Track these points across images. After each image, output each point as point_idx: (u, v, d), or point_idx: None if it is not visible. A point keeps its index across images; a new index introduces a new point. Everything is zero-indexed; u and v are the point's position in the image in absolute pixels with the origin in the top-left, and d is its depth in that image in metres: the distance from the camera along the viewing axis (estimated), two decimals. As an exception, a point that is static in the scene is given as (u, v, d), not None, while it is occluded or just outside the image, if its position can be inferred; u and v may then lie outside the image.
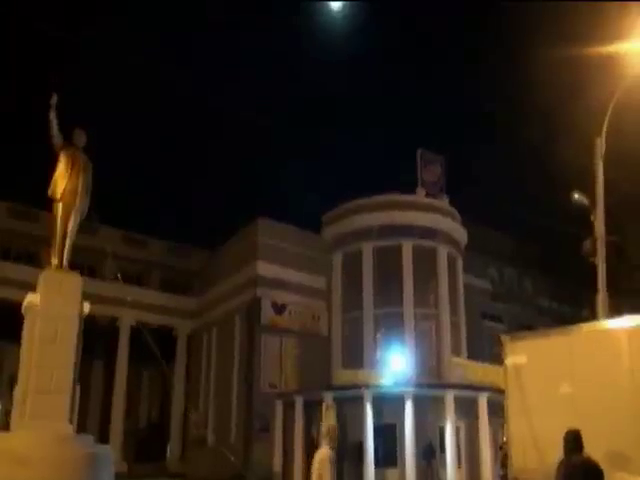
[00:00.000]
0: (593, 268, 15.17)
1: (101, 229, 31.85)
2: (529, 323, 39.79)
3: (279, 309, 31.40)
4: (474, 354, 32.52)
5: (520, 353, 11.58)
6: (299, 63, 77.89)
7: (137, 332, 34.55)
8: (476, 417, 26.63)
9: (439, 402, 26.53)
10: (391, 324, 31.37)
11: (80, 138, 13.62)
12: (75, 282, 12.80)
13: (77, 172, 13.29)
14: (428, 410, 26.63)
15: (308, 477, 24.03)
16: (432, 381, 29.17)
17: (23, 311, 12.96)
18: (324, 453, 6.17)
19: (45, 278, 12.69)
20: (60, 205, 13.08)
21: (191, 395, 36.22)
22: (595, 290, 14.85)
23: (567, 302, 40.75)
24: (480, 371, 28.82)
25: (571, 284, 37.35)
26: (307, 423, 27.58)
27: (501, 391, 27.72)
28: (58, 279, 12.63)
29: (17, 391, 12.11)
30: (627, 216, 30.06)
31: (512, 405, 11.63)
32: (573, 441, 5.58)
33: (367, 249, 32.45)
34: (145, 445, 35.90)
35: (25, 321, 12.75)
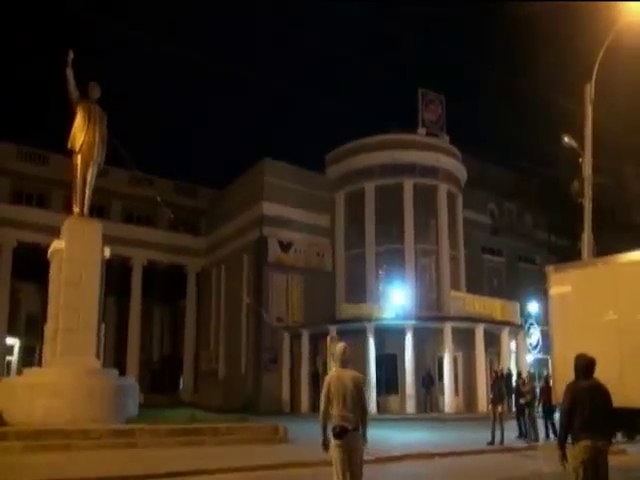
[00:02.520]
0: (582, 208, 15.93)
1: (109, 170, 32.37)
2: (527, 255, 40.84)
3: (285, 247, 32.45)
4: (474, 287, 33.67)
5: (564, 283, 12.03)
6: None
7: (149, 270, 35.97)
8: (473, 348, 28.07)
9: (438, 334, 27.87)
10: (392, 260, 32.44)
11: (94, 91, 14.31)
12: (96, 229, 13.83)
13: (94, 125, 14.04)
14: (427, 341, 28.01)
15: (315, 404, 25.66)
16: (432, 314, 30.43)
17: (49, 256, 14.01)
18: (349, 374, 5.85)
19: (69, 226, 13.70)
20: (79, 157, 13.88)
21: (202, 330, 37.82)
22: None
23: (565, 235, 41.46)
24: (478, 303, 29.98)
25: (569, 217, 37.93)
26: (313, 355, 29.15)
27: (497, 323, 29.33)
28: (80, 226, 13.68)
29: (47, 330, 13.41)
30: (625, 155, 30.52)
31: (556, 332, 12.19)
32: (584, 368, 5.58)
33: (369, 188, 33.14)
34: (159, 377, 37.68)
35: (51, 265, 13.88)
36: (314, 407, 27.71)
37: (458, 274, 34.29)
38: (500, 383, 15.86)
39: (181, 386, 37.63)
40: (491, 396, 15.89)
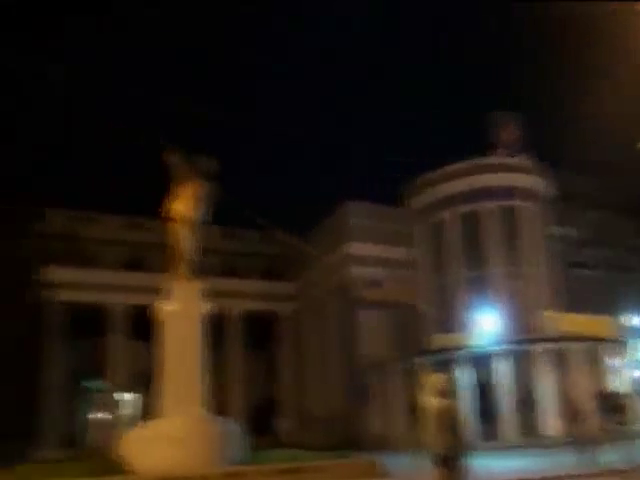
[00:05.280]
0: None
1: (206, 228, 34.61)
2: (622, 265, 39.09)
3: (371, 284, 33.25)
4: (567, 305, 32.78)
5: None
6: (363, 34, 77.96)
7: (244, 319, 37.72)
8: (570, 368, 27.38)
9: (532, 356, 27.51)
10: (479, 286, 32.30)
11: (207, 165, 15.02)
12: (197, 287, 15.10)
13: (196, 198, 15.12)
14: (522, 365, 27.66)
15: (411, 438, 25.87)
16: (524, 337, 29.98)
17: (157, 316, 15.31)
18: (445, 404, 5.94)
19: (173, 287, 15.04)
20: (178, 225, 15.15)
21: (297, 371, 38.96)
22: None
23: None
24: (572, 321, 29.23)
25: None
26: (406, 389, 29.32)
27: (594, 340, 28.48)
28: (182, 286, 14.95)
29: (159, 384, 14.52)
30: None
31: None
32: None
33: (451, 216, 33.38)
34: (259, 420, 38.88)
35: (160, 324, 15.11)
36: (410, 441, 28.10)
37: (548, 293, 33.62)
38: (604, 402, 15.65)
39: (281, 428, 38.69)
40: (594, 416, 15.70)
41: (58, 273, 33.92)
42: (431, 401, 6.08)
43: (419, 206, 34.59)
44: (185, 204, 15.00)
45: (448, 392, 6.16)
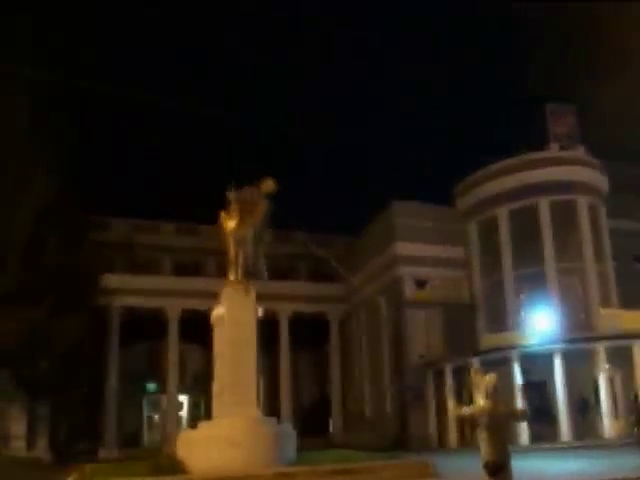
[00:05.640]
0: None
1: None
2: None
3: (421, 284, 33.06)
4: (629, 301, 31.56)
5: None
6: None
7: (294, 321, 38.11)
8: (632, 366, 26.45)
9: (590, 355, 26.68)
10: (533, 283, 31.52)
11: (266, 187, 15.17)
12: (251, 293, 15.35)
13: (247, 218, 15.18)
14: (579, 364, 26.81)
15: (462, 440, 25.62)
16: (581, 335, 29.13)
17: (212, 320, 15.69)
18: (496, 406, 5.65)
19: (227, 292, 15.22)
20: (231, 238, 15.64)
21: (347, 372, 38.99)
22: None
23: None
24: (634, 318, 28.20)
25: None
26: (458, 389, 28.99)
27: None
28: (237, 292, 15.01)
29: (215, 386, 14.82)
30: None
31: None
32: None
33: (502, 213, 32.73)
34: (310, 421, 39.13)
35: (215, 328, 15.39)
36: (462, 442, 27.63)
37: (608, 289, 32.52)
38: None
39: (331, 428, 38.86)
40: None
41: (117, 280, 35.06)
42: (482, 403, 5.81)
43: (470, 204, 34.06)
44: (232, 221, 15.22)
45: (499, 393, 5.87)
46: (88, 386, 34.71)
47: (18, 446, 33.49)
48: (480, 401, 5.80)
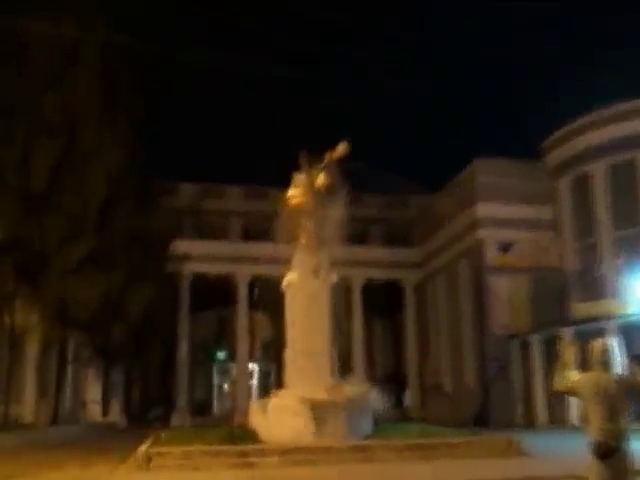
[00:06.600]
0: None
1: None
2: None
3: (504, 248, 30.77)
4: None
5: None
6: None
7: (367, 288, 36.55)
8: None
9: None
10: (632, 246, 28.66)
11: (339, 150, 15.03)
12: (323, 259, 15.07)
13: (319, 182, 15.15)
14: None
15: (553, 418, 23.46)
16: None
17: (283, 288, 15.25)
18: (607, 378, 4.97)
19: (299, 259, 15.10)
20: (303, 202, 15.32)
21: (424, 342, 37.30)
22: None
23: None
24: None
25: None
26: (546, 363, 26.72)
27: None
28: (309, 258, 14.96)
29: (288, 353, 14.65)
30: None
31: None
32: None
33: (598, 169, 29.64)
34: (385, 393, 37.91)
35: (287, 296, 15.24)
36: (552, 419, 25.83)
37: None
38: None
39: (406, 401, 37.50)
40: None
41: (186, 245, 34.46)
42: (586, 376, 5.01)
43: (562, 158, 31.03)
44: (311, 189, 15.16)
45: (609, 364, 4.96)
46: (160, 353, 34.81)
47: (94, 411, 34.15)
48: (587, 374, 5.07)
